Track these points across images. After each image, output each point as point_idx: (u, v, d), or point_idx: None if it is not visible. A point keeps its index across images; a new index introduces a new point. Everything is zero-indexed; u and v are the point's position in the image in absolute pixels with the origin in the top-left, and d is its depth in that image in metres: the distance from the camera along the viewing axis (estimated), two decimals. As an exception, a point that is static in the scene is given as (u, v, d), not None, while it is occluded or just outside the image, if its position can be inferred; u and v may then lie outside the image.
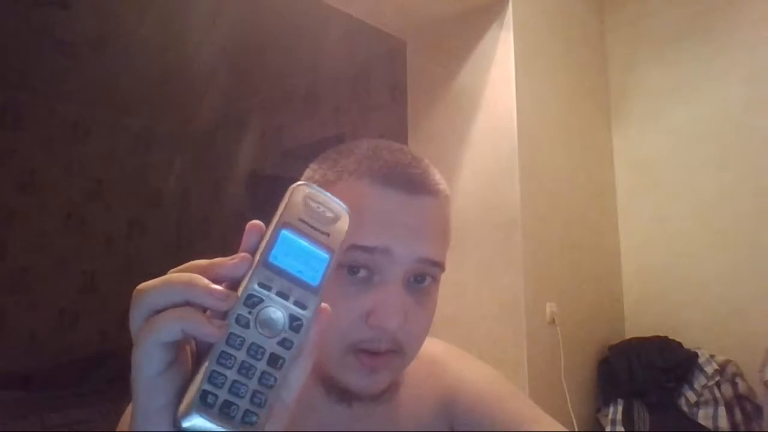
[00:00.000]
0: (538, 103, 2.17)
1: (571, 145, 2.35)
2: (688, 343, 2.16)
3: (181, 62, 3.46)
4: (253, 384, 0.30)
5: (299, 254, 0.33)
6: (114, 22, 3.14)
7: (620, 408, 2.12)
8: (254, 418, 0.30)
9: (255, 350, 0.30)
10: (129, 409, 0.56)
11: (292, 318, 0.31)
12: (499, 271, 2.02)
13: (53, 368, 3.73)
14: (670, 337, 2.21)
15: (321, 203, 0.35)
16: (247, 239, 0.33)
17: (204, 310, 0.31)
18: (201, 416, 0.29)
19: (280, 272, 0.32)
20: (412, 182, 0.50)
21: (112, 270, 4.38)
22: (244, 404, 0.30)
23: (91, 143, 4.42)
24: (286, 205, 0.34)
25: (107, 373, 3.56)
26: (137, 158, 4.62)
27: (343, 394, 0.50)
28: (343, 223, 0.35)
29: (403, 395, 0.59)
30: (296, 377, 0.32)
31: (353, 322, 0.47)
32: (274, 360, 0.31)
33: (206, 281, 0.31)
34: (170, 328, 0.29)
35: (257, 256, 0.32)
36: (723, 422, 1.93)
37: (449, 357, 0.65)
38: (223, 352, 0.30)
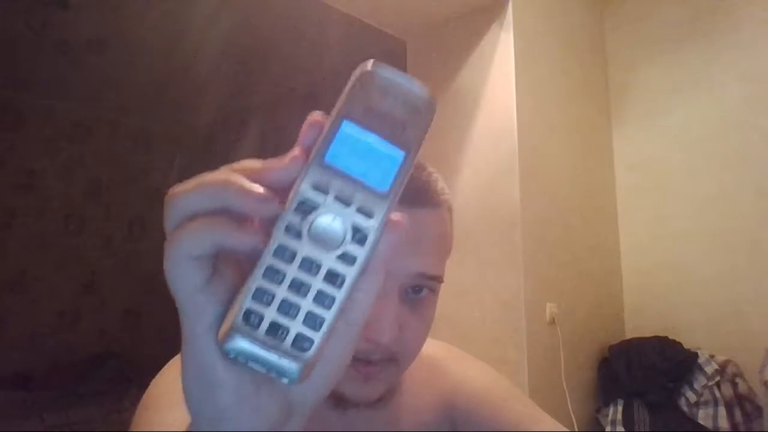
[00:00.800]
0: (538, 103, 2.17)
1: (571, 146, 2.35)
2: (688, 343, 2.16)
3: (181, 62, 3.46)
4: (306, 303, 0.26)
5: (364, 152, 0.27)
6: (114, 23, 3.14)
7: (620, 408, 2.12)
8: (308, 344, 0.26)
9: (309, 265, 0.26)
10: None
11: (355, 228, 0.27)
12: (499, 271, 2.02)
13: (53, 368, 3.73)
14: (670, 337, 2.21)
15: (396, 89, 0.28)
16: (305, 136, 0.28)
17: (246, 219, 0.27)
18: (244, 338, 0.25)
19: (340, 174, 0.27)
20: (411, 194, 0.49)
21: (112, 270, 4.38)
22: (295, 326, 0.26)
23: (91, 143, 4.42)
24: (349, 90, 0.28)
25: (107, 373, 3.56)
26: (137, 158, 4.62)
27: (338, 401, 0.49)
28: (426, 115, 0.29)
29: (402, 397, 0.59)
30: (362, 299, 0.27)
31: None
32: (333, 277, 0.26)
33: (244, 181, 0.26)
34: (197, 239, 0.25)
35: (312, 155, 0.27)
36: (723, 422, 1.93)
37: (450, 358, 0.65)
38: (270, 266, 0.26)
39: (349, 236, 0.26)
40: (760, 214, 2.17)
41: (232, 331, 0.25)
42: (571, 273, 2.23)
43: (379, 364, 0.48)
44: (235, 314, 0.25)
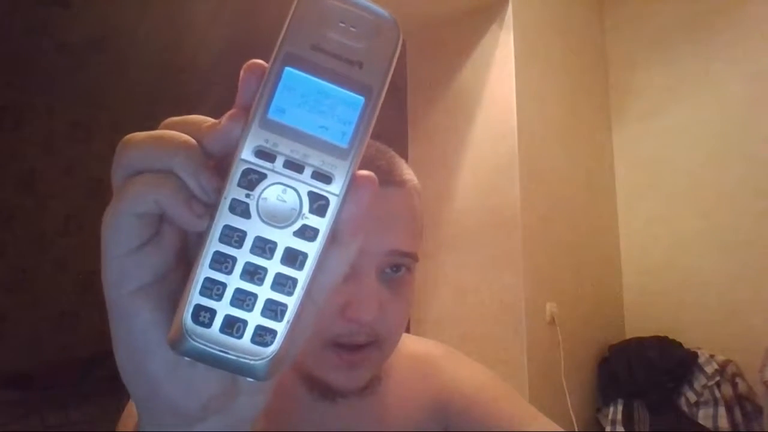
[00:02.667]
0: (538, 103, 2.17)
1: (571, 145, 2.35)
2: (688, 343, 2.16)
3: (181, 62, 3.46)
4: (264, 291, 0.23)
5: (316, 101, 0.23)
6: (114, 22, 3.14)
7: (620, 408, 2.12)
8: (270, 337, 0.23)
9: (262, 246, 0.22)
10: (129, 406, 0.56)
11: (313, 197, 0.23)
12: (499, 271, 2.02)
13: (53, 368, 3.73)
14: (670, 337, 2.21)
15: (348, 14, 0.23)
16: (242, 89, 0.24)
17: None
18: (196, 341, 0.22)
19: (288, 131, 0.22)
20: (376, 174, 0.49)
21: (112, 270, 4.37)
22: (253, 319, 0.23)
23: (91, 143, 4.42)
24: (288, 24, 0.23)
25: (107, 373, 3.56)
26: (137, 158, 4.62)
27: (325, 391, 0.49)
28: (388, 43, 0.23)
29: (393, 391, 0.59)
30: (332, 269, 0.24)
31: (329, 316, 0.46)
32: (292, 257, 0.23)
33: (199, 154, 0.23)
34: (142, 196, 0.23)
35: (252, 111, 0.23)
36: (723, 422, 1.93)
37: (444, 357, 0.65)
38: (216, 252, 0.22)
39: (306, 207, 0.23)
40: (760, 214, 2.17)
41: (182, 332, 0.22)
42: (571, 273, 2.23)
43: (363, 350, 0.48)
44: (183, 312, 0.22)
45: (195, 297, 0.22)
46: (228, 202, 0.22)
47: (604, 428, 2.15)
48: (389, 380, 0.58)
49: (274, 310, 0.23)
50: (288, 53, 0.22)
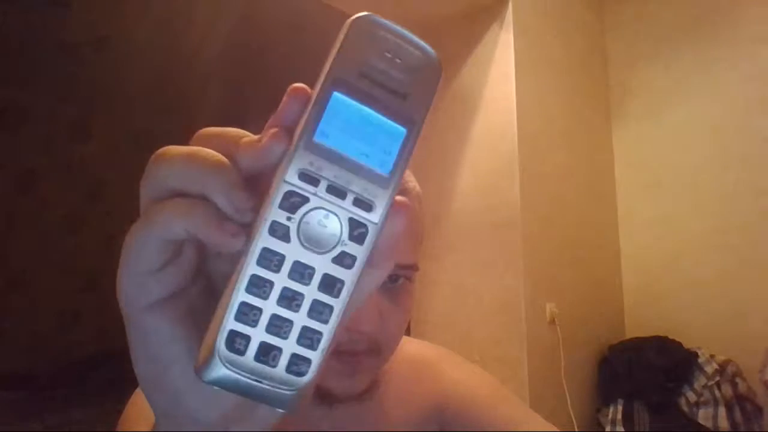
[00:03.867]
0: (538, 103, 2.17)
1: (571, 145, 2.35)
2: (688, 343, 2.16)
3: (181, 62, 3.46)
4: (300, 318, 0.22)
5: (360, 128, 0.22)
6: (114, 22, 3.14)
7: (620, 408, 2.12)
8: (305, 367, 0.22)
9: (300, 272, 0.22)
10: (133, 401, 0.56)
11: (353, 224, 0.22)
12: (499, 271, 2.02)
13: (53, 368, 3.73)
14: (670, 337, 2.21)
15: (396, 47, 0.23)
16: (286, 111, 0.23)
17: None
18: (229, 368, 0.21)
19: (332, 155, 0.22)
20: None
21: (112, 270, 4.34)
22: (289, 347, 0.22)
23: (91, 143, 4.42)
24: (339, 51, 0.22)
25: (107, 373, 3.56)
26: (137, 158, 4.63)
27: (323, 396, 0.49)
28: (431, 79, 0.24)
29: (391, 394, 0.59)
30: (360, 291, 0.24)
31: None
32: (329, 284, 0.22)
33: (234, 174, 0.23)
34: (172, 224, 0.22)
35: (297, 134, 0.22)
36: (723, 422, 1.93)
37: (441, 360, 0.65)
38: (254, 276, 0.21)
39: (346, 233, 0.22)
40: (760, 214, 2.17)
41: (214, 359, 0.21)
42: (571, 273, 2.23)
43: (362, 356, 0.48)
44: (216, 337, 0.21)
45: (230, 322, 0.21)
46: (268, 224, 0.22)
47: (604, 428, 2.15)
48: (387, 383, 0.58)
49: (309, 338, 0.22)
50: (337, 78, 0.22)
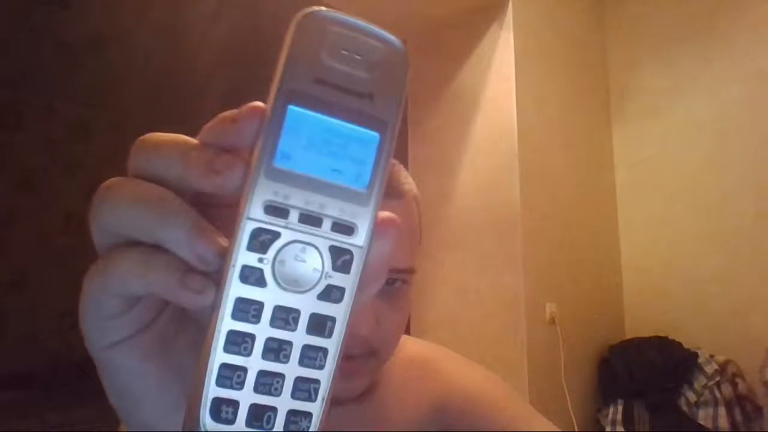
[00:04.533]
0: (538, 103, 2.17)
1: (571, 145, 2.35)
2: (688, 343, 2.16)
3: (181, 62, 3.46)
4: (291, 369, 0.19)
5: (326, 142, 0.20)
6: (114, 23, 3.14)
7: (620, 408, 2.12)
8: (306, 422, 0.20)
9: (283, 317, 0.19)
10: None
11: (335, 252, 0.20)
12: (499, 271, 2.02)
13: (53, 368, 3.73)
14: (670, 337, 2.21)
15: (353, 42, 0.20)
16: (242, 132, 0.20)
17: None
18: None
19: (299, 180, 0.19)
20: None
21: (112, 270, 4.37)
22: (284, 404, 0.19)
23: (91, 143, 4.42)
24: (287, 58, 0.20)
25: (107, 373, 3.56)
26: (137, 158, 4.62)
27: None
28: (398, 72, 0.21)
29: (390, 396, 0.58)
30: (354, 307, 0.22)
31: None
32: (319, 324, 0.20)
33: (189, 217, 0.20)
34: (127, 282, 0.20)
35: (254, 161, 0.19)
36: (723, 422, 1.93)
37: (442, 359, 0.64)
38: (231, 332, 0.19)
39: (328, 264, 0.20)
40: (760, 214, 2.17)
41: None
42: (571, 273, 2.23)
43: (359, 358, 0.48)
44: (198, 408, 0.19)
45: (211, 389, 0.19)
46: (237, 270, 0.19)
47: (604, 428, 2.15)
48: (387, 383, 0.58)
49: (305, 390, 0.20)
50: (289, 90, 0.19)
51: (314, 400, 0.20)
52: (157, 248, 0.20)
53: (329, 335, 0.20)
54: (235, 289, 0.19)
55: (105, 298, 0.21)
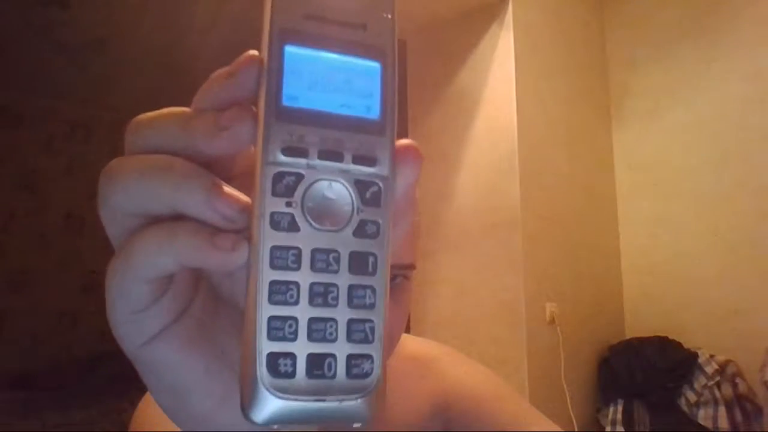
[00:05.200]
0: (538, 103, 2.17)
1: (571, 145, 2.35)
2: (688, 343, 2.16)
3: (181, 62, 3.46)
4: (342, 312, 0.19)
5: (330, 77, 0.19)
6: (114, 23, 3.14)
7: (620, 408, 2.12)
8: (368, 364, 0.19)
9: (324, 259, 0.19)
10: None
11: (362, 186, 0.19)
12: (499, 271, 2.02)
13: (53, 368, 3.73)
14: (670, 337, 2.21)
15: None
16: (241, 82, 0.20)
17: None
18: (282, 396, 0.18)
19: (310, 118, 0.19)
20: None
21: (112, 270, 4.37)
22: (342, 349, 0.19)
23: (91, 143, 4.42)
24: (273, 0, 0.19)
25: (107, 373, 3.56)
26: (137, 158, 4.62)
27: None
28: None
29: (392, 394, 0.58)
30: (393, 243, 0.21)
31: None
32: (361, 262, 0.19)
33: (204, 177, 0.19)
34: (154, 261, 0.19)
35: (261, 107, 0.19)
36: (723, 422, 1.93)
37: (443, 357, 0.64)
38: (273, 282, 0.18)
39: (357, 199, 0.19)
40: (760, 213, 2.17)
41: (261, 393, 0.18)
42: (571, 273, 2.23)
43: None
44: (254, 367, 0.18)
45: (264, 344, 0.18)
46: (267, 218, 0.18)
47: (604, 428, 2.15)
48: (389, 382, 0.58)
49: (361, 331, 0.19)
50: (282, 29, 0.19)
51: (372, 341, 0.19)
52: (177, 219, 0.19)
53: (373, 272, 0.19)
54: (269, 237, 0.18)
55: (133, 287, 0.20)
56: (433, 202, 2.18)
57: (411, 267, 0.50)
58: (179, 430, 0.23)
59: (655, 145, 2.50)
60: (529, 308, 1.97)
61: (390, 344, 0.51)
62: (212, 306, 0.23)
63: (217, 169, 0.20)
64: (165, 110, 0.21)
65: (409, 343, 0.63)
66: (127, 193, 0.19)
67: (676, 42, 2.47)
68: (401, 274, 0.49)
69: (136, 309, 0.20)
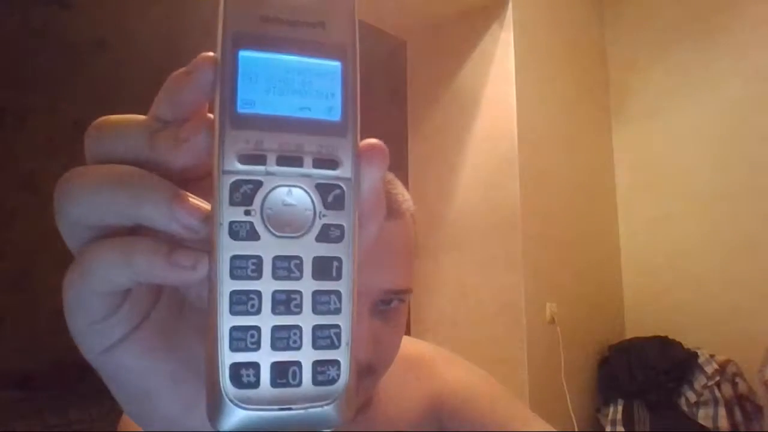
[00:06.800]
0: (538, 103, 2.17)
1: (571, 145, 2.35)
2: (688, 343, 2.16)
3: (181, 62, 3.47)
4: (307, 319, 0.18)
5: (286, 81, 0.19)
6: (115, 22, 3.14)
7: (620, 408, 2.12)
8: (335, 370, 0.19)
9: (285, 266, 0.18)
10: None
11: (323, 189, 0.19)
12: (499, 271, 2.02)
13: (53, 368, 3.73)
14: (670, 337, 2.21)
15: None
16: (194, 87, 0.19)
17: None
18: (246, 407, 0.18)
19: (267, 123, 0.18)
20: None
21: (112, 270, 4.37)
22: (307, 356, 0.18)
23: (91, 143, 4.41)
24: (225, 2, 0.19)
25: (107, 373, 3.56)
26: (137, 158, 4.62)
27: None
28: None
29: (387, 395, 0.58)
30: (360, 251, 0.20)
31: None
32: (325, 267, 0.19)
33: (165, 187, 0.19)
34: (110, 276, 0.19)
35: (217, 113, 0.18)
36: (723, 422, 1.93)
37: (438, 359, 0.65)
38: (233, 293, 0.18)
39: (319, 203, 0.19)
40: (760, 214, 2.17)
41: (224, 404, 0.17)
42: (571, 273, 2.23)
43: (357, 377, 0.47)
44: (217, 379, 0.18)
45: (226, 356, 0.18)
46: (226, 228, 0.18)
47: (604, 428, 2.15)
48: (383, 384, 0.58)
49: (326, 337, 0.19)
50: (236, 33, 0.18)
51: (338, 346, 0.19)
52: (133, 233, 0.19)
53: (338, 276, 0.19)
54: (228, 247, 0.18)
55: (90, 300, 0.19)
56: (433, 202, 2.17)
57: (407, 291, 0.50)
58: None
59: (655, 145, 2.50)
60: (529, 308, 1.97)
61: (385, 366, 0.50)
62: (177, 309, 0.22)
63: (172, 175, 0.20)
64: (127, 118, 0.20)
65: (404, 344, 0.63)
66: (85, 204, 0.19)
67: (677, 42, 2.47)
68: (398, 298, 0.49)
69: (94, 320, 0.20)
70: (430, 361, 0.64)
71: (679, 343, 2.17)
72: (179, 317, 0.22)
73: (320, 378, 0.18)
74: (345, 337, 0.19)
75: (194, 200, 0.19)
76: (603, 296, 2.42)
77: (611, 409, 2.14)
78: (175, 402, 0.21)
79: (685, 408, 2.03)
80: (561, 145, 2.28)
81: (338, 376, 0.19)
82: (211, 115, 0.19)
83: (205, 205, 0.19)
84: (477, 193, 2.11)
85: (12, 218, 4.02)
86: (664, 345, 2.17)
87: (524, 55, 2.12)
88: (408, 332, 0.60)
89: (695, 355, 2.08)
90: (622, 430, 2.08)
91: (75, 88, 4.04)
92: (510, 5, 2.10)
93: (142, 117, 0.20)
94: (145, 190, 0.18)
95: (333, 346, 0.19)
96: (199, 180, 0.20)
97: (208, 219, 0.18)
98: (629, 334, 2.41)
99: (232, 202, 0.18)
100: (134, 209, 0.18)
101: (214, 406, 0.18)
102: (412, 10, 2.23)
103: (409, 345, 0.64)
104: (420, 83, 2.37)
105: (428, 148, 2.26)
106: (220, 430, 0.18)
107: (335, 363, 0.19)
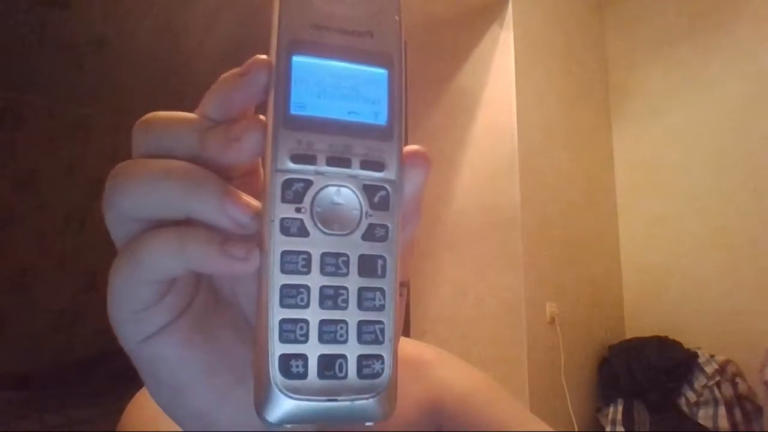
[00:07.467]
0: (538, 103, 2.17)
1: (571, 145, 2.35)
2: (688, 343, 2.16)
3: (182, 61, 3.47)
4: (353, 314, 0.19)
5: (336, 86, 0.20)
6: (114, 22, 3.14)
7: (620, 408, 2.12)
8: (379, 364, 0.20)
9: (333, 263, 0.19)
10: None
11: (370, 190, 0.20)
12: (499, 271, 2.02)
13: (53, 368, 3.73)
14: (670, 337, 2.21)
15: None
16: (249, 89, 0.20)
17: None
18: (294, 397, 0.18)
19: (318, 125, 0.19)
20: None
21: (112, 270, 4.37)
22: (353, 350, 0.19)
23: (91, 143, 4.42)
24: (280, 11, 0.20)
25: (107, 373, 3.56)
26: (137, 158, 4.62)
27: None
28: (390, 4, 0.21)
29: None
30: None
31: None
32: (370, 265, 0.20)
33: (217, 183, 0.19)
34: (162, 264, 0.19)
35: (270, 114, 0.20)
36: (723, 422, 1.93)
37: (436, 360, 0.65)
38: (283, 286, 0.19)
39: (366, 204, 0.20)
40: (760, 213, 2.17)
41: (274, 394, 0.18)
42: (571, 273, 2.23)
43: None
44: (266, 368, 0.18)
45: (276, 347, 0.18)
46: (277, 224, 0.19)
47: (604, 428, 2.15)
48: None
49: (371, 332, 0.20)
50: (290, 40, 0.19)
51: (382, 342, 0.20)
52: (186, 223, 0.20)
53: (383, 275, 0.20)
54: (279, 243, 0.19)
55: (138, 289, 0.20)
56: (433, 202, 2.18)
57: (404, 284, 0.50)
58: (171, 431, 0.23)
59: (655, 145, 2.50)
60: (529, 308, 1.97)
61: None
62: (212, 303, 0.23)
63: (218, 173, 0.20)
64: (177, 115, 0.21)
65: (403, 345, 0.63)
66: (137, 198, 0.19)
67: (676, 42, 2.47)
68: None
69: (138, 308, 0.20)
70: (430, 363, 0.64)
71: (679, 343, 2.17)
72: (214, 311, 0.23)
73: (365, 371, 0.19)
74: (388, 333, 0.20)
75: (244, 196, 0.20)
76: (603, 296, 2.42)
77: (611, 409, 2.15)
78: (208, 394, 0.22)
79: (685, 408, 2.03)
80: (561, 145, 2.28)
81: (382, 370, 0.20)
82: (261, 117, 0.20)
83: (254, 202, 0.20)
84: (477, 193, 2.11)
85: (12, 218, 4.02)
86: (664, 345, 2.17)
87: (524, 55, 2.12)
88: (407, 332, 0.60)
89: (695, 355, 2.08)
90: (622, 430, 2.08)
91: (75, 89, 4.04)
92: (510, 5, 2.10)
93: (192, 114, 0.21)
94: (196, 185, 0.19)
95: (377, 341, 0.20)
96: (233, 179, 0.21)
97: (257, 215, 0.19)
98: (629, 334, 2.41)
99: (284, 200, 0.19)
100: (186, 203, 0.19)
101: (263, 395, 0.18)
102: (412, 10, 2.23)
103: (408, 346, 0.64)
104: (420, 83, 2.37)
105: (428, 147, 2.24)
106: (268, 419, 0.18)
107: (379, 357, 0.20)
